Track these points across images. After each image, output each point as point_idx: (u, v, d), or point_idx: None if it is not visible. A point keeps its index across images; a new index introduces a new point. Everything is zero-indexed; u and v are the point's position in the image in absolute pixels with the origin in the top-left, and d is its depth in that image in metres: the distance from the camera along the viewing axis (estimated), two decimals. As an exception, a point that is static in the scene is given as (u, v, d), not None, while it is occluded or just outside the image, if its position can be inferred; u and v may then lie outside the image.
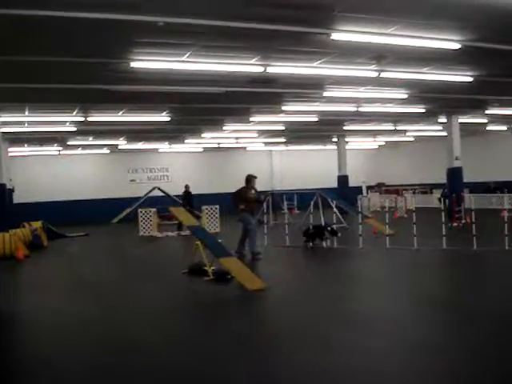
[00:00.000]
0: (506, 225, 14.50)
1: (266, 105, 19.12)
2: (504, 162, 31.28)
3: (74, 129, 21.55)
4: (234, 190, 15.39)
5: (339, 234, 16.73)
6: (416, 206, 23.93)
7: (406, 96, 17.59)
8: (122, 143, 29.06)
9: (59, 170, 33.08)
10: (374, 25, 9.99)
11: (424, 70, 14.18)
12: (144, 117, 20.19)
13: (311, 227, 16.79)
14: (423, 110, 21.47)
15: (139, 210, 23.99)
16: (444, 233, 15.48)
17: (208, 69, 12.55)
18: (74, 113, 18.48)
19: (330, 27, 9.99)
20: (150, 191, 29.06)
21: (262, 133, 28.09)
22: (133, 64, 11.72)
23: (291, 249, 16.55)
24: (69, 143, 27.37)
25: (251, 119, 22.17)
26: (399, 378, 5.87)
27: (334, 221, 18.22)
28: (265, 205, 21.92)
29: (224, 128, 24.75)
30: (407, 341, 7.16)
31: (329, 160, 35.40)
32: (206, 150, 35.43)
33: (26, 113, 18.02)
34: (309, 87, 15.95)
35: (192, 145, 32.73)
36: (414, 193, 34.04)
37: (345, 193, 30.16)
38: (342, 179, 32.29)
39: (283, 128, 25.55)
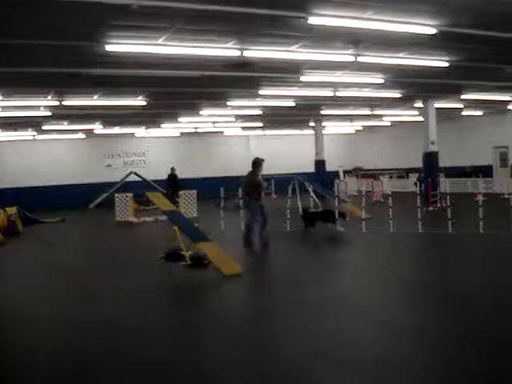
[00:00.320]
0: (480, 208, 14.67)
1: (243, 89, 19.03)
2: (479, 146, 31.58)
3: (49, 113, 21.26)
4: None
5: (347, 218, 16.91)
6: (392, 190, 24.07)
7: (382, 81, 17.61)
8: (97, 128, 28.78)
9: (34, 156, 32.65)
10: (351, 9, 9.95)
11: (400, 54, 14.19)
12: (120, 101, 19.97)
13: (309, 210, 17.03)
14: (400, 95, 21.53)
15: (116, 195, 23.82)
16: (420, 217, 15.63)
17: (184, 52, 12.41)
18: (49, 97, 18.22)
19: (307, 11, 9.92)
20: (127, 176, 28.88)
21: (239, 117, 28.01)
22: (107, 47, 11.56)
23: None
24: (44, 128, 27.02)
25: (228, 104, 22.08)
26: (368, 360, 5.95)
27: (311, 205, 18.26)
28: (240, 190, 21.93)
29: (201, 112, 24.61)
30: (379, 323, 7.23)
31: (306, 145, 35.45)
32: (183, 134, 35.25)
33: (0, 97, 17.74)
34: (286, 71, 15.89)
35: (169, 129, 32.55)
36: (390, 177, 34.23)
37: (322, 177, 30.25)
38: (319, 164, 32.40)
39: (260, 112, 25.49)
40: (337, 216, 16.46)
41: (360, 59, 13.93)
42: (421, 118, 25.41)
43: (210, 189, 23.14)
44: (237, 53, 12.72)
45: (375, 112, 27.94)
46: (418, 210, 15.91)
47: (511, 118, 30.33)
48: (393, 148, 37.43)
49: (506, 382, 5.27)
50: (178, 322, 7.96)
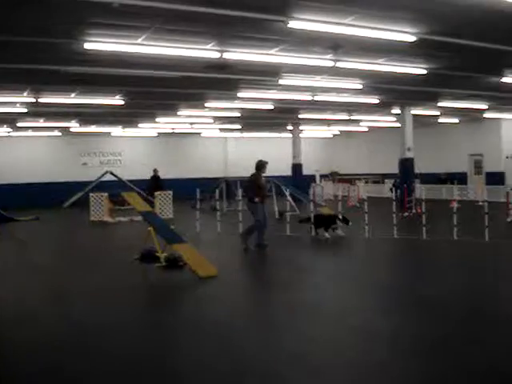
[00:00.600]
0: (454, 215, 14.81)
1: (222, 91, 19.00)
2: (454, 153, 31.92)
3: (25, 110, 21.02)
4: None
5: (350, 223, 16.20)
6: (368, 195, 24.17)
7: (361, 86, 17.71)
8: (74, 126, 28.53)
9: (9, 153, 32.24)
10: (332, 14, 10.00)
11: (379, 61, 14.29)
12: (97, 100, 19.82)
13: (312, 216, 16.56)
14: (377, 101, 21.68)
15: (91, 194, 23.60)
16: (395, 222, 15.73)
17: (163, 53, 12.36)
18: (25, 94, 18.01)
19: (287, 15, 9.95)
20: (102, 175, 28.58)
21: (217, 119, 27.97)
22: (86, 45, 11.46)
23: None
24: (19, 125, 26.70)
25: (206, 105, 22.03)
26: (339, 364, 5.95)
27: (288, 208, 18.26)
28: (217, 191, 21.89)
29: (178, 113, 24.53)
30: (351, 328, 7.25)
31: (283, 148, 35.49)
32: (160, 134, 35.08)
33: (-26, 93, 17.51)
34: (265, 74, 15.90)
35: (146, 129, 32.38)
36: (366, 182, 34.46)
37: (298, 181, 30.33)
38: (296, 167, 32.49)
39: (239, 115, 25.48)
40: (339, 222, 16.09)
41: (339, 64, 14.00)
42: (398, 124, 25.60)
43: (187, 190, 23.03)
44: (216, 54, 12.70)
45: (353, 117, 28.09)
46: (394, 215, 16.01)
47: (486, 126, 30.72)
48: (369, 153, 37.67)
49: (478, 389, 5.32)
50: (150, 321, 7.94)
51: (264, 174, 14.58)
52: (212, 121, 28.56)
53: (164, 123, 29.02)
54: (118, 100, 19.95)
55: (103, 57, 12.71)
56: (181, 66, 14.27)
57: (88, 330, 7.38)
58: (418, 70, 15.07)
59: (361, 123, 31.79)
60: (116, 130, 32.54)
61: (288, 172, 32.30)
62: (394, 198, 17.36)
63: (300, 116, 27.78)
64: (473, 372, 5.63)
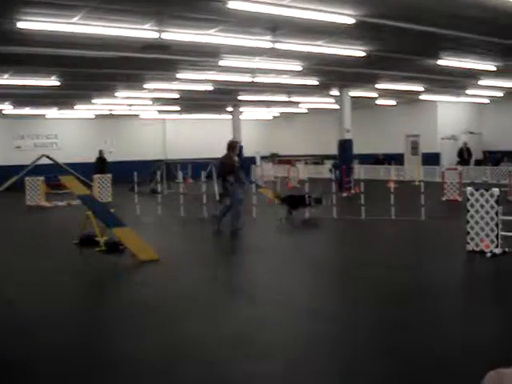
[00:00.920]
0: (392, 195, 15.11)
1: (161, 72, 18.77)
2: (392, 134, 32.53)
3: (-46, 91, 20.29)
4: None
5: (324, 202, 16.08)
6: (308, 176, 24.43)
7: (300, 68, 17.78)
8: (7, 108, 27.73)
9: None
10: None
11: (319, 42, 14.35)
12: (32, 80, 19.25)
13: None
14: (317, 83, 21.83)
15: (26, 178, 22.97)
16: (334, 202, 15.94)
17: (99, 32, 12.07)
18: (-46, 74, 17.36)
19: (226, -5, 9.87)
20: (38, 159, 27.85)
21: (155, 100, 27.62)
22: (19, 24, 11.08)
23: (185, 219, 16.49)
24: (-52, 107, 25.77)
25: (145, 86, 21.71)
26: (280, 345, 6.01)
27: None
28: (158, 174, 21.68)
29: (116, 94, 24.09)
30: (292, 308, 7.33)
31: (223, 130, 35.33)
32: (97, 116, 34.38)
33: None
34: (204, 55, 15.77)
35: (82, 111, 31.69)
36: (306, 163, 34.77)
37: (239, 163, 30.26)
38: (237, 149, 32.42)
39: (178, 96, 25.22)
40: (312, 202, 15.89)
41: (278, 46, 14.00)
42: (336, 106, 25.87)
43: (125, 173, 22.71)
44: (155, 35, 12.49)
45: (292, 99, 28.22)
46: (333, 195, 16.21)
47: (422, 108, 31.39)
48: (309, 135, 37.94)
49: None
50: (89, 306, 7.80)
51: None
52: (151, 102, 28.20)
53: (101, 104, 28.45)
54: (53, 81, 19.42)
55: (37, 36, 12.33)
56: (118, 46, 13.99)
57: (21, 317, 7.18)
58: (357, 52, 15.22)
59: (300, 105, 31.97)
60: (51, 112, 31.72)
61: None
62: (333, 178, 17.56)
63: (240, 98, 27.73)
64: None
